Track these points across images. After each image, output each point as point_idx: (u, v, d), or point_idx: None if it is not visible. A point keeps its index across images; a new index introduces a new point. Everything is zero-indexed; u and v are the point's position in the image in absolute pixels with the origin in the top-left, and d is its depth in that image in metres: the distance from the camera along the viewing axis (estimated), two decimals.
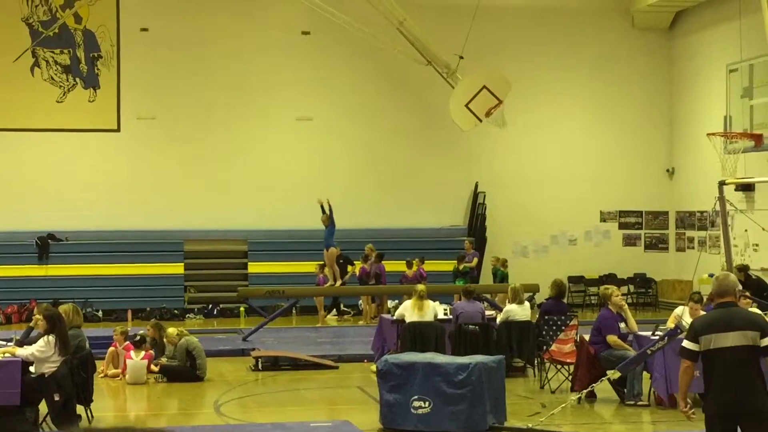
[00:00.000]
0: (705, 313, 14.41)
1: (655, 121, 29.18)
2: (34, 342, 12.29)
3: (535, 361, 16.01)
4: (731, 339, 7.76)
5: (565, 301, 17.63)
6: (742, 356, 7.75)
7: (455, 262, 25.61)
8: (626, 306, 14.68)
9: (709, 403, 7.86)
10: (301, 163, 27.45)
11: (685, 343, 7.96)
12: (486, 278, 26.19)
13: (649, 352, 12.89)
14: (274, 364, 17.42)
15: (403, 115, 27.98)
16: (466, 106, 25.78)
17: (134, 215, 26.45)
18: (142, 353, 16.06)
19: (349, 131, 27.85)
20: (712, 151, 24.22)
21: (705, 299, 16.02)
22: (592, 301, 27.65)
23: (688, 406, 8.01)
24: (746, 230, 24.12)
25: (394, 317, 16.76)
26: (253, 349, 18.58)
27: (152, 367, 16.12)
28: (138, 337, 16.43)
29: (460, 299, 18.39)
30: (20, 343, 12.79)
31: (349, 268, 25.20)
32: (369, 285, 24.28)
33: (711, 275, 13.65)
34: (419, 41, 26.12)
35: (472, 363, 11.82)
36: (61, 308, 12.86)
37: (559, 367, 15.01)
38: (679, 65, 28.84)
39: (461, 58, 25.74)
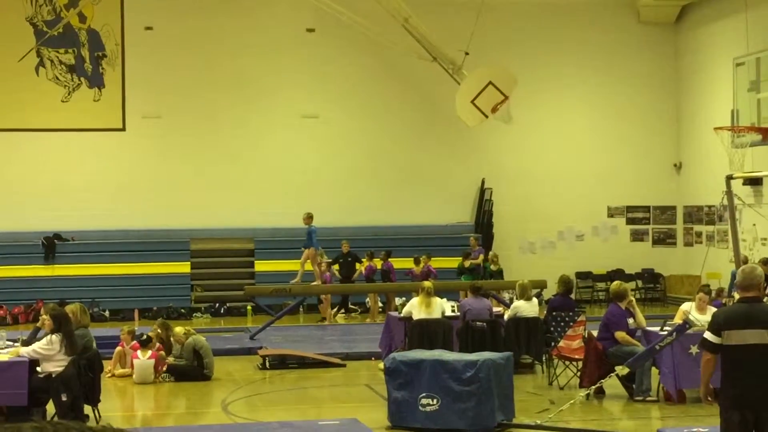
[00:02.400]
0: (713, 307, 14.46)
1: (661, 116, 29.10)
2: None
3: (543, 358, 15.96)
4: (752, 336, 7.69)
5: (572, 297, 17.57)
6: (762, 354, 7.69)
7: (461, 259, 25.60)
8: (635, 302, 14.61)
9: (728, 398, 7.79)
10: (306, 161, 27.41)
11: (707, 335, 7.90)
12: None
13: (657, 347, 12.83)
14: (281, 362, 17.39)
15: (408, 111, 27.93)
16: (472, 102, 25.70)
17: (140, 214, 26.43)
18: (149, 352, 16.03)
19: (355, 128, 27.81)
20: (720, 145, 24.11)
21: (713, 293, 15.99)
22: (600, 297, 27.60)
23: (711, 397, 7.97)
24: (754, 224, 24.04)
25: (402, 315, 16.71)
26: (261, 348, 18.55)
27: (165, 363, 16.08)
28: (145, 337, 16.40)
29: (466, 296, 18.33)
30: (26, 344, 12.77)
31: (357, 265, 25.17)
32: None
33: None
34: (424, 38, 26.05)
35: (480, 360, 11.77)
36: (69, 308, 12.83)
37: (567, 363, 14.96)
38: (686, 59, 28.74)
39: (467, 54, 25.68)
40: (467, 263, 25.33)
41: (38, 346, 11.96)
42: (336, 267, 25.01)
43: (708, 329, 8.02)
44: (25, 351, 12.12)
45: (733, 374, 7.75)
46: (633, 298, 14.65)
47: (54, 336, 11.90)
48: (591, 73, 28.74)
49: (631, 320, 14.03)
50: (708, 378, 7.97)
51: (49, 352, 11.89)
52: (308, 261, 22.67)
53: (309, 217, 23.74)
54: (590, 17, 28.70)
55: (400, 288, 23.80)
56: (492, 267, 25.41)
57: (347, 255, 25.09)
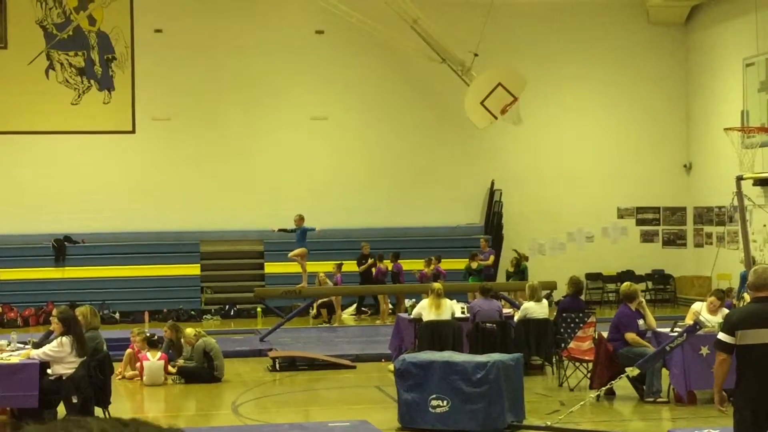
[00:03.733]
0: (727, 309, 14.41)
1: (671, 117, 29.06)
2: None
3: (554, 359, 15.94)
4: (765, 335, 7.68)
5: (582, 298, 17.55)
6: None
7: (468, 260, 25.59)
8: (645, 303, 14.59)
9: (742, 398, 7.78)
10: (316, 163, 27.43)
11: (721, 336, 7.90)
12: (502, 276, 26.08)
13: (667, 348, 12.81)
14: (291, 364, 17.39)
15: (418, 113, 27.93)
16: (482, 103, 25.71)
17: (150, 216, 26.47)
18: (159, 354, 16.04)
19: (364, 130, 27.83)
20: (730, 146, 24.09)
21: (726, 291, 15.91)
22: (610, 298, 27.55)
23: (724, 404, 7.95)
24: (765, 225, 24.00)
25: (411, 316, 16.71)
26: (271, 350, 18.57)
27: (169, 368, 16.11)
28: (156, 337, 16.42)
29: (475, 297, 18.32)
30: (37, 346, 12.79)
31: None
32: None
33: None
34: (433, 39, 26.06)
35: (490, 361, 11.76)
36: (79, 310, 12.84)
37: (577, 364, 14.94)
38: (695, 60, 28.70)
39: (476, 55, 25.68)
40: (474, 264, 25.32)
41: (48, 348, 11.98)
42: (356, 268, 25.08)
43: (722, 329, 8.02)
44: (36, 353, 12.14)
45: (747, 374, 7.75)
46: (643, 299, 14.61)
47: (64, 338, 11.91)
48: (600, 73, 28.71)
49: (641, 321, 14.00)
50: (722, 380, 7.94)
51: (59, 354, 11.91)
52: (305, 261, 22.76)
53: (300, 219, 23.85)
54: (599, 18, 28.68)
55: (409, 289, 23.80)
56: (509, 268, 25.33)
57: (368, 257, 25.16)
